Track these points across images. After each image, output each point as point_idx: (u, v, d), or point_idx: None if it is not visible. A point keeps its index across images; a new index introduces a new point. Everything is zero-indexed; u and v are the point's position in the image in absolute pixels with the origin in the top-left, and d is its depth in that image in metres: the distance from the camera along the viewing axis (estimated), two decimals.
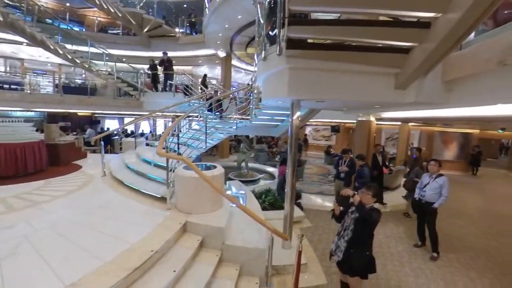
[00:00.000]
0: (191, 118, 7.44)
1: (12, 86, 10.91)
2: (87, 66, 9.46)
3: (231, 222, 3.32)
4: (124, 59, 11.47)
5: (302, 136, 17.19)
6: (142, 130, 16.37)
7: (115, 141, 11.63)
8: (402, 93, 3.11)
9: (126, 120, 17.67)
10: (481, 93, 2.87)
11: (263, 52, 3.22)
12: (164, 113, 7.57)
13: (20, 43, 11.76)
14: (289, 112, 3.72)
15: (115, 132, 11.43)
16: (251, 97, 6.24)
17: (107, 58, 10.19)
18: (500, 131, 10.10)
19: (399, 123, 11.72)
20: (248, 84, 6.66)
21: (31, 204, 3.42)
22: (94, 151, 9.05)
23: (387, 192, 7.01)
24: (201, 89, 10.36)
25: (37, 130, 6.16)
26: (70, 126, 13.04)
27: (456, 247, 4.50)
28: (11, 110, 11.14)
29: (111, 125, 16.38)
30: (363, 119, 7.51)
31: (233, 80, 16.46)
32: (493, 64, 2.46)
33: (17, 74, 12.62)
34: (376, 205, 2.74)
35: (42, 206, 3.37)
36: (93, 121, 15.00)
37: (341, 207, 2.74)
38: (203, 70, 16.30)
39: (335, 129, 15.81)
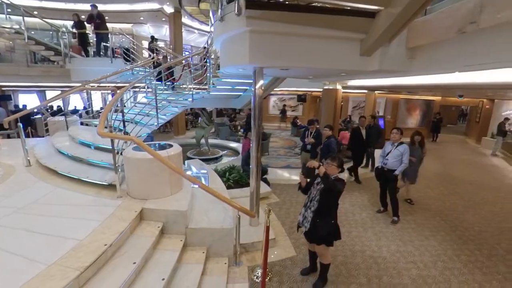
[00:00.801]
0: (136, 90, 6.95)
1: None
2: None
3: (193, 204, 3.41)
4: (35, 12, 9.84)
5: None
6: (75, 107, 14.83)
7: (38, 121, 10.39)
8: (367, 60, 3.35)
9: (50, 94, 15.70)
10: (441, 61, 3.24)
11: (219, 11, 3.10)
12: (101, 85, 6.89)
13: None
14: (251, 81, 3.73)
15: (36, 110, 10.14)
16: (208, 64, 6.03)
17: (9, 10, 8.60)
18: (459, 98, 11.60)
19: (365, 91, 12.59)
20: (204, 48, 6.38)
21: None
22: (8, 136, 8.02)
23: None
24: (148, 55, 9.59)
25: None
26: None
27: (414, 210, 5.32)
28: None
29: (28, 101, 14.38)
30: (330, 87, 7.89)
31: (185, 42, 15.50)
32: (453, 32, 2.77)
33: None
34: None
35: None
36: (2, 97, 12.95)
37: (307, 179, 3.00)
38: (146, 30, 14.94)
39: (301, 98, 16.32)
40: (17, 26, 8.31)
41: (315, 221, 2.84)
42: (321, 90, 8.67)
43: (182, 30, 12.27)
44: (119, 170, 3.28)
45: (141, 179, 3.14)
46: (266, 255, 2.79)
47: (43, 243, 2.30)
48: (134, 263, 2.32)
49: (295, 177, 6.91)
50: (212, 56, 6.18)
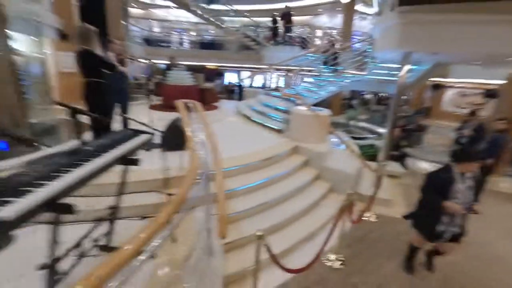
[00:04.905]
0: (306, 72, 8.78)
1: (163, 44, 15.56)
2: (218, 23, 12.19)
3: (330, 154, 4.70)
4: (246, 13, 13.67)
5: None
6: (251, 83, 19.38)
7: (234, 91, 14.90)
8: None
9: (243, 73, 21.25)
10: None
11: (377, 7, 4.00)
12: (279, 67, 9.22)
13: (169, 7, 16.10)
14: (412, 67, 4.31)
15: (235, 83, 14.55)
16: (368, 50, 6.79)
17: (232, 14, 12.59)
18: None
19: None
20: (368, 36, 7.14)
21: None
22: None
23: None
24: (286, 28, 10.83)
25: None
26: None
27: None
28: (163, 63, 16.06)
29: (230, 77, 20.16)
30: None
31: (356, 29, 16.03)
32: None
33: (166, 34, 17.49)
34: None
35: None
36: (219, 74, 18.98)
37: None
38: (321, 20, 16.68)
39: (491, 93, 13.09)
40: (237, 25, 12.16)
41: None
42: None
43: (355, 18, 12.99)
44: (287, 121, 5.06)
45: (299, 127, 4.76)
46: (371, 202, 3.70)
47: (242, 144, 4.39)
48: (286, 171, 3.96)
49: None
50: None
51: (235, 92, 14.76)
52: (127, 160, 1.85)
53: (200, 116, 3.02)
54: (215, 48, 14.67)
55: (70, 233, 1.75)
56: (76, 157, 1.48)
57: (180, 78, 8.01)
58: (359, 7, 13.55)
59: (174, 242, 2.35)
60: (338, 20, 16.33)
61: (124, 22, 9.61)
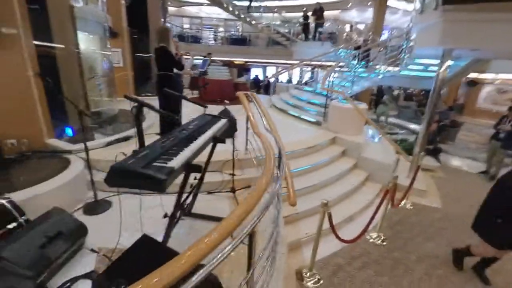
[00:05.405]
0: (338, 67, 8.94)
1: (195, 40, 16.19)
2: (248, 19, 12.53)
3: (367, 145, 4.96)
4: (275, 9, 13.90)
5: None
6: (277, 78, 19.62)
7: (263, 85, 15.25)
8: None
9: (269, 69, 21.56)
10: None
11: (420, 6, 4.18)
12: (309, 62, 9.42)
13: (201, 4, 16.67)
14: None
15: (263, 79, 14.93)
16: (404, 45, 6.87)
17: (261, 10, 12.87)
18: None
19: None
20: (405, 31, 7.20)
21: None
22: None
23: None
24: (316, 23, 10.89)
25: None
26: None
27: None
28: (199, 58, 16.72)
29: (257, 73, 20.53)
30: None
31: (387, 23, 15.77)
32: None
33: (197, 30, 18.12)
34: None
35: None
36: (246, 69, 19.41)
37: None
38: (351, 14, 16.55)
39: None
40: (267, 22, 12.44)
41: None
42: None
43: (385, 12, 12.82)
44: (324, 113, 5.36)
45: (337, 120, 5.05)
46: (407, 193, 3.94)
47: (290, 134, 4.75)
48: (327, 158, 4.29)
49: (465, 168, 6.68)
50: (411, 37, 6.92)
51: (262, 87, 15.15)
52: (216, 138, 2.28)
53: (258, 105, 3.40)
54: (243, 44, 15.09)
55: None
56: (188, 135, 1.93)
57: (218, 73, 8.51)
58: (390, 1, 13.34)
59: None
60: (367, 14, 16.15)
61: (163, 20, 10.23)
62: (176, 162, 1.45)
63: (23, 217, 1.92)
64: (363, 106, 5.01)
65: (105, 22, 5.85)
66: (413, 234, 3.50)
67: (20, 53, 3.29)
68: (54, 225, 1.85)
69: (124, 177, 1.23)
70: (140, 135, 1.63)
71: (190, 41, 15.31)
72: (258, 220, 1.17)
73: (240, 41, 15.60)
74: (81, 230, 2.03)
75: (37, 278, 1.55)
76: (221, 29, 18.35)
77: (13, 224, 1.88)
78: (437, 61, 6.45)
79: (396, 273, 2.76)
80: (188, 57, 5.33)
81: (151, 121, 4.52)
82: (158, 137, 4.22)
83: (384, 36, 12.59)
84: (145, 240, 1.64)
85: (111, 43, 6.87)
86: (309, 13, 11.01)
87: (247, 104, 3.25)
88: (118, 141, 3.88)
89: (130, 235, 2.04)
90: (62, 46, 4.07)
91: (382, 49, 8.90)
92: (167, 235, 1.87)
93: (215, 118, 2.58)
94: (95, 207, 2.72)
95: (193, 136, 1.95)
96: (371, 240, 3.23)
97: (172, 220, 1.90)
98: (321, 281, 2.52)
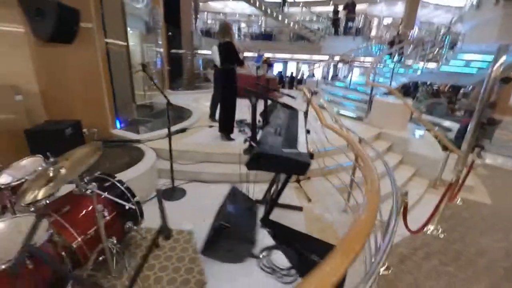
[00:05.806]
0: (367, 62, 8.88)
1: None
2: (275, 15, 12.56)
3: (411, 141, 4.97)
4: (303, 4, 13.82)
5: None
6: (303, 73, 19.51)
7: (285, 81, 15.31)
8: None
9: (290, 64, 21.51)
10: None
11: (474, 1, 4.14)
12: (342, 57, 9.39)
13: None
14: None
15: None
16: (445, 41, 6.75)
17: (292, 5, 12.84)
18: None
19: None
20: (447, 26, 7.06)
21: None
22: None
23: None
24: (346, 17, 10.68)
25: None
26: None
27: None
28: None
29: (278, 68, 20.53)
30: None
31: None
32: None
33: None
34: None
35: None
36: (269, 64, 19.42)
37: None
38: (379, 8, 16.21)
39: None
40: (297, 17, 12.40)
41: None
42: None
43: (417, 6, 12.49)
44: (367, 108, 5.41)
45: (382, 115, 5.08)
46: (458, 190, 3.96)
47: None
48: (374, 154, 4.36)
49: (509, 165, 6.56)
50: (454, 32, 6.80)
51: (286, 82, 15.21)
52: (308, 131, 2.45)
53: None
54: (269, 39, 15.14)
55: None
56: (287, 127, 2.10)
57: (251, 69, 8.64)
58: None
59: (310, 202, 2.98)
60: (396, 8, 15.76)
61: (195, 17, 10.46)
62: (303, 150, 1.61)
63: (135, 198, 2.16)
64: (410, 101, 5.02)
65: (145, 18, 6.10)
66: (467, 228, 3.56)
67: (93, 47, 3.55)
68: None
69: (268, 161, 1.40)
70: (253, 127, 1.81)
71: (214, 37, 15.53)
72: None
73: (265, 36, 15.67)
74: None
75: None
76: (243, 25, 18.44)
77: (128, 205, 2.11)
78: (479, 56, 6.35)
79: (459, 264, 2.84)
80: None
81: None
82: (209, 129, 4.45)
83: (415, 31, 12.32)
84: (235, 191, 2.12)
85: (146, 38, 7.14)
86: (340, 8, 10.90)
87: (311, 98, 3.38)
88: (176, 132, 4.13)
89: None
90: (124, 43, 4.35)
91: (421, 44, 8.74)
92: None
93: (293, 110, 2.76)
94: (172, 194, 2.97)
95: (290, 129, 2.12)
96: (428, 232, 3.31)
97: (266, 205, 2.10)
98: (391, 269, 2.65)
